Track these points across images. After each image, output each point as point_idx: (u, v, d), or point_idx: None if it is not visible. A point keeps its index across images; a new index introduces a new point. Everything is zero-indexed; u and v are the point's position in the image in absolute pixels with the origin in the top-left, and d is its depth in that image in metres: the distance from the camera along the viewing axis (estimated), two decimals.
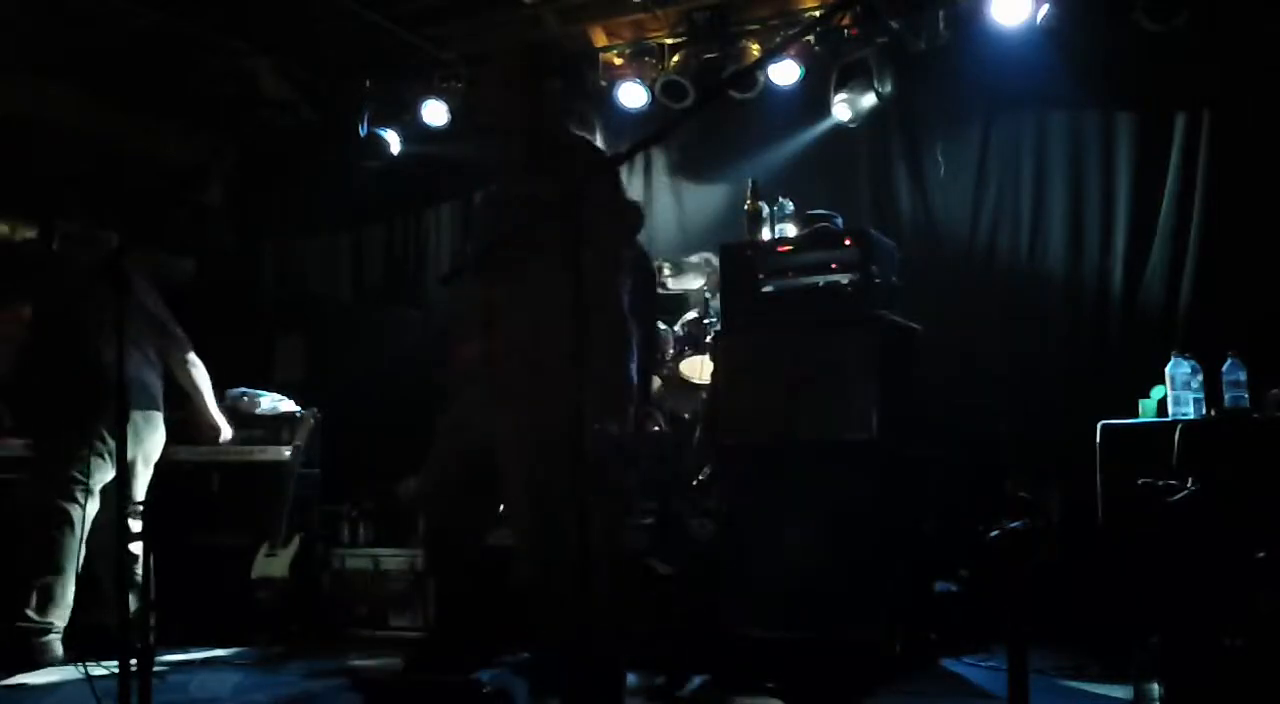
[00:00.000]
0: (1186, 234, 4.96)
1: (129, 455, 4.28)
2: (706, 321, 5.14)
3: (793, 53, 5.65)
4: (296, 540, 5.09)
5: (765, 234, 4.76)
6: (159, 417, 4.60)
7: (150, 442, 4.57)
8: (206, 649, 4.70)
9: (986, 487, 4.68)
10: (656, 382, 5.25)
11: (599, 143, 5.48)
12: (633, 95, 5.98)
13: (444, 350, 3.61)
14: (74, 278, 4.51)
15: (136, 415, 4.40)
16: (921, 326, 4.49)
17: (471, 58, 6.26)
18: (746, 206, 4.83)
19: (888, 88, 5.48)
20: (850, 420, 3.95)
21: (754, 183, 4.86)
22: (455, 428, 3.32)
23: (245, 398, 5.43)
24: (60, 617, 4.31)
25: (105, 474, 4.41)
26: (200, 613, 4.90)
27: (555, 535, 2.93)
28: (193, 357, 4.71)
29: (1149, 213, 5.07)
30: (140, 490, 4.56)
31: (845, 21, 5.43)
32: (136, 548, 4.38)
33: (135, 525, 4.43)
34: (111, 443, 4.32)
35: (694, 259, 5.25)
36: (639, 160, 6.29)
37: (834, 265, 4.16)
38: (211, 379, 4.80)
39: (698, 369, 5.13)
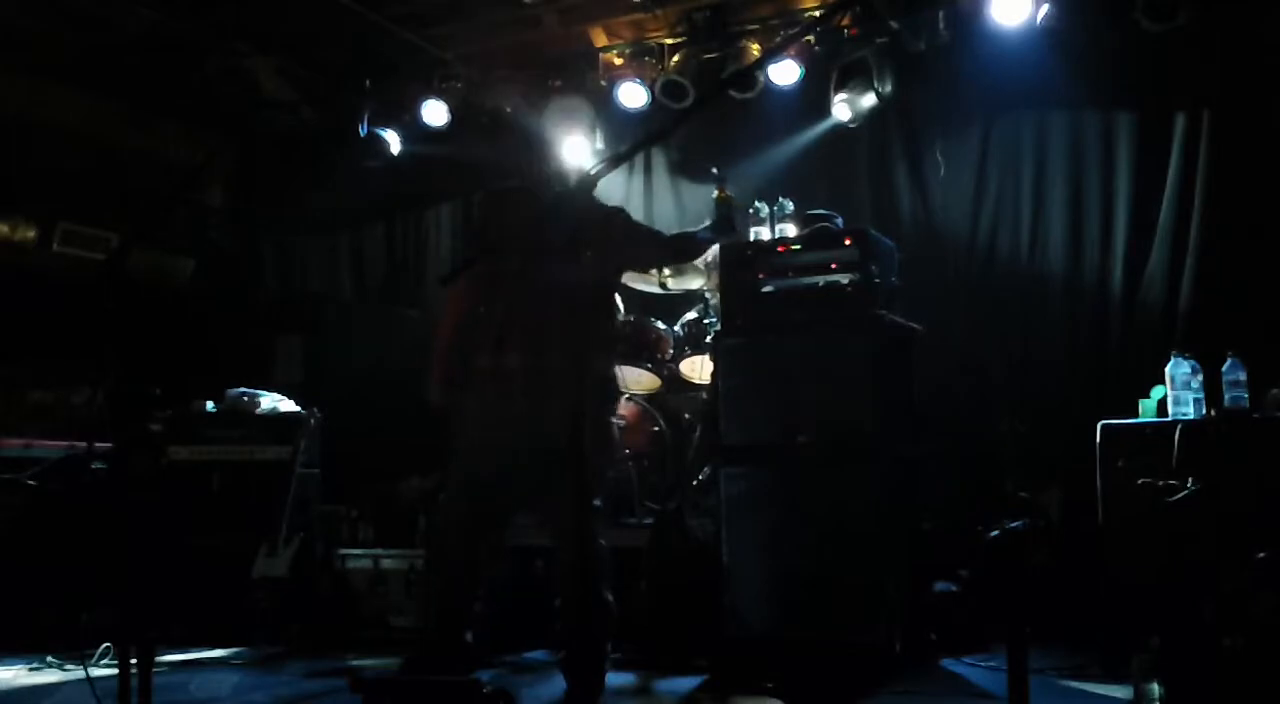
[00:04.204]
0: (1186, 234, 4.96)
1: None
2: (706, 322, 5.13)
3: (793, 53, 5.64)
4: (296, 540, 5.09)
5: (765, 234, 4.76)
6: None
7: None
8: (206, 649, 4.69)
9: (986, 487, 4.69)
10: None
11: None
12: (633, 95, 5.97)
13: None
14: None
15: None
16: (921, 327, 4.49)
17: (471, 58, 6.26)
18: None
19: (888, 88, 5.48)
20: (850, 420, 3.95)
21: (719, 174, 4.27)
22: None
23: (245, 398, 5.43)
24: None
25: None
26: (200, 613, 4.90)
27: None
28: None
29: (1149, 213, 5.07)
30: None
31: (845, 21, 5.43)
32: None
33: None
34: None
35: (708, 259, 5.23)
36: (639, 160, 6.29)
37: (834, 265, 4.16)
38: (211, 379, 4.77)
39: (698, 369, 5.13)
